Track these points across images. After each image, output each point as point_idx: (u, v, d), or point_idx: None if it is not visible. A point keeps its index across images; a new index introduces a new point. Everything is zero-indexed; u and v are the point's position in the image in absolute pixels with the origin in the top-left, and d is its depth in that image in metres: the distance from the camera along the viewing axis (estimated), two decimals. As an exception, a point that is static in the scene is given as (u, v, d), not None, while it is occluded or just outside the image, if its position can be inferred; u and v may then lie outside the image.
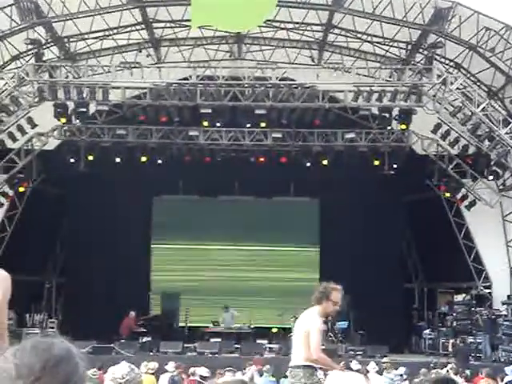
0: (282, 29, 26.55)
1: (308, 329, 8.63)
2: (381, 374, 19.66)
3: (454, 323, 28.34)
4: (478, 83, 26.48)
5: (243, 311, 29.59)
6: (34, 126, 26.72)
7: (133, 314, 28.29)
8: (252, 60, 28.09)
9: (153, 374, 17.60)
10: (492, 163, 26.72)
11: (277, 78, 25.79)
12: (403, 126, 27.24)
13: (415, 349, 29.24)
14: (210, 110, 26.56)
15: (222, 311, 29.11)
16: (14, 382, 2.05)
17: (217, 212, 32.06)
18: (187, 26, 25.33)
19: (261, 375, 19.47)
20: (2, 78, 25.50)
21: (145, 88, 26.37)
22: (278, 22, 25.86)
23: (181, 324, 30.12)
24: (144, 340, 27.05)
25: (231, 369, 17.85)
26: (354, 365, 19.46)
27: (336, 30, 26.41)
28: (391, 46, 26.49)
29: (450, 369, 19.71)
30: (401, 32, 25.37)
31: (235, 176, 30.09)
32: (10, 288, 5.11)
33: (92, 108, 27.04)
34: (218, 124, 27.55)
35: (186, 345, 26.38)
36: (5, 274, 5.19)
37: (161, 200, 32.72)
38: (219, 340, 26.90)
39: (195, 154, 28.63)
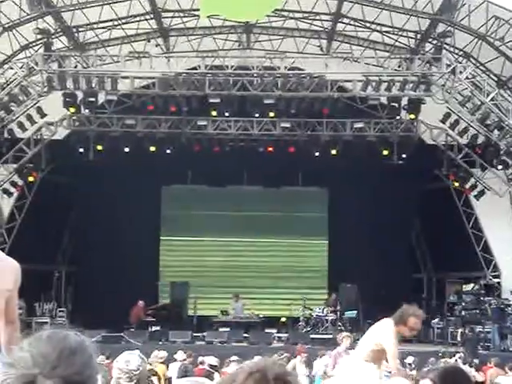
0: (291, 18, 26.49)
1: (381, 344, 8.64)
2: None
3: (463, 313, 28.33)
4: (488, 72, 26.40)
5: (252, 300, 29.65)
6: (43, 115, 26.76)
7: (141, 303, 28.38)
8: (261, 49, 28.05)
9: (163, 363, 17.71)
10: (501, 153, 26.65)
11: (285, 67, 25.76)
12: (412, 116, 27.19)
13: (424, 338, 29.21)
14: (218, 100, 26.55)
15: (231, 300, 29.18)
16: (31, 370, 2.08)
17: (225, 202, 32.11)
18: (196, 15, 25.33)
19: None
20: (12, 68, 25.57)
21: (153, 78, 26.38)
22: (286, 11, 25.81)
23: (190, 313, 30.20)
24: (153, 329, 27.16)
25: (237, 359, 17.85)
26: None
27: (345, 20, 26.35)
28: (400, 35, 26.41)
29: (459, 358, 19.74)
30: (410, 21, 25.29)
31: (244, 166, 30.09)
32: (20, 277, 5.15)
33: (101, 98, 27.08)
34: (227, 114, 27.53)
35: (194, 334, 26.47)
36: (15, 264, 5.24)
37: (169, 190, 32.77)
38: (228, 329, 26.97)
39: (204, 143, 28.64)
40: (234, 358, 18.35)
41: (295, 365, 18.53)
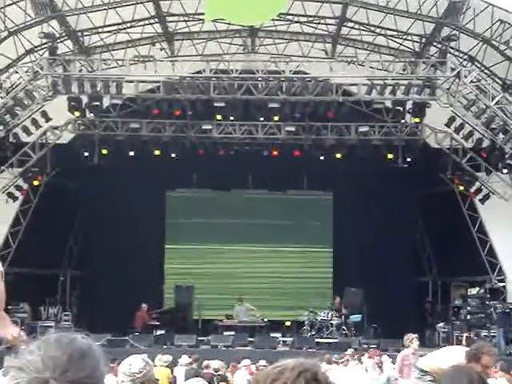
0: (296, 22, 26.50)
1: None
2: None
3: (468, 317, 28.27)
4: (492, 76, 26.37)
5: (257, 305, 29.61)
6: (48, 119, 26.78)
7: (144, 306, 28.38)
8: (265, 53, 28.07)
9: (167, 366, 17.71)
10: (506, 156, 26.59)
11: (290, 71, 25.76)
12: (417, 120, 27.18)
13: (429, 342, 29.14)
14: (223, 104, 26.57)
15: (235, 304, 29.16)
16: (42, 374, 2.07)
17: (230, 207, 32.10)
18: (201, 19, 25.35)
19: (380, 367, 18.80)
20: (17, 72, 25.59)
21: (158, 81, 26.39)
22: (291, 15, 25.82)
23: (194, 317, 30.17)
24: (158, 333, 27.16)
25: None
26: (366, 358, 19.46)
27: (350, 24, 26.35)
28: (405, 39, 26.40)
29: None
30: (415, 25, 25.28)
31: (248, 169, 30.10)
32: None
33: (106, 102, 27.10)
34: (232, 117, 27.56)
35: (199, 338, 26.45)
36: None
37: (174, 194, 32.77)
38: (233, 333, 26.95)
39: (209, 147, 28.65)
40: (247, 361, 18.31)
41: (367, 368, 18.25)
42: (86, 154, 28.33)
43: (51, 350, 2.12)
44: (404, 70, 26.11)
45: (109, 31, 26.23)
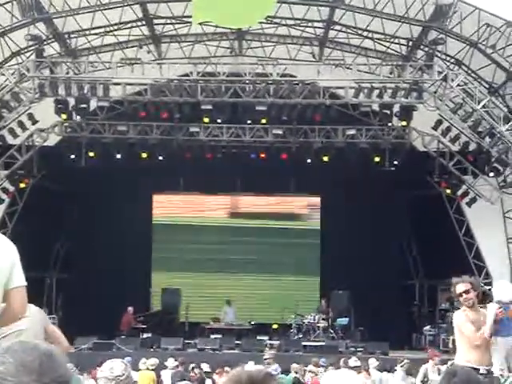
0: (283, 25, 26.51)
1: (456, 328, 9.06)
2: (410, 374, 19.11)
3: (455, 320, 28.29)
4: (479, 80, 26.46)
5: (244, 308, 29.60)
6: (34, 122, 26.70)
7: (130, 309, 28.33)
8: (253, 56, 28.06)
9: (153, 370, 17.67)
10: (493, 160, 26.67)
11: (278, 74, 25.77)
12: (404, 123, 27.23)
13: (416, 345, 29.22)
14: (210, 107, 26.54)
15: (223, 306, 29.15)
16: (20, 379, 2.08)
17: (218, 209, 32.13)
18: (188, 22, 25.33)
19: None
20: (3, 74, 25.49)
21: (145, 84, 26.35)
22: (278, 18, 25.82)
23: (181, 320, 30.13)
24: (145, 336, 27.09)
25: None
26: (353, 361, 19.45)
27: (337, 27, 26.39)
28: (392, 42, 26.46)
29: (451, 365, 19.67)
30: (402, 28, 25.34)
31: (236, 172, 30.07)
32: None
33: (93, 104, 27.03)
34: (219, 120, 27.53)
35: (186, 341, 26.41)
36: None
37: (161, 196, 32.75)
38: (220, 336, 26.93)
39: (196, 150, 28.62)
40: (251, 363, 18.15)
41: (426, 370, 17.89)
42: (73, 156, 28.25)
43: (20, 356, 2.13)
44: (391, 73, 26.16)
45: (96, 33, 26.17)
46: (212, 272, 32.15)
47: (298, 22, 26.40)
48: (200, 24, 23.58)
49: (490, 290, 28.66)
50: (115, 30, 26.10)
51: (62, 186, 29.75)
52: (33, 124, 26.84)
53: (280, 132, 27.85)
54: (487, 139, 25.85)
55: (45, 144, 28.22)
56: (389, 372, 19.61)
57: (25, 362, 2.11)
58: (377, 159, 28.38)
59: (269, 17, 24.26)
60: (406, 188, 29.90)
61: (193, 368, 18.58)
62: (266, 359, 21.04)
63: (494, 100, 25.90)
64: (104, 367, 5.98)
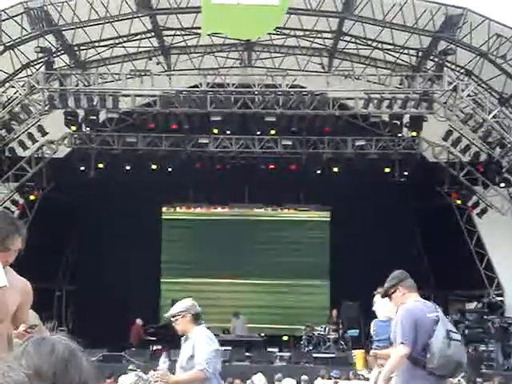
0: (292, 36, 26.51)
1: None
2: None
3: (466, 331, 28.10)
4: (489, 90, 26.37)
5: (253, 319, 29.52)
6: (44, 133, 26.75)
7: (139, 321, 28.28)
8: (262, 67, 28.04)
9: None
10: (503, 170, 26.60)
11: (287, 85, 25.74)
12: (414, 133, 27.14)
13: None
14: (219, 118, 26.55)
15: (232, 318, 29.05)
16: None
17: (227, 222, 32.12)
18: (197, 33, 25.34)
19: None
20: (13, 87, 25.56)
21: (155, 96, 26.36)
22: (287, 29, 25.83)
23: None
24: (155, 348, 27.00)
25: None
26: (365, 373, 19.28)
27: (346, 37, 26.36)
28: (402, 52, 26.41)
29: (462, 377, 19.54)
30: (411, 39, 25.29)
31: (245, 184, 30.06)
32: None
33: (102, 116, 27.07)
34: (228, 131, 27.53)
35: (196, 353, 26.26)
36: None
37: (171, 208, 32.76)
38: (230, 348, 26.81)
39: (205, 161, 28.61)
40: (259, 375, 18.03)
41: None
42: (83, 168, 28.27)
43: (34, 364, 2.07)
44: (401, 83, 26.11)
45: (105, 45, 26.23)
46: (223, 278, 32.15)
47: (307, 32, 26.37)
48: (209, 35, 23.61)
49: (501, 301, 28.70)
50: (124, 41, 26.14)
51: (71, 197, 29.77)
52: (42, 136, 26.88)
53: (289, 143, 27.81)
54: (498, 149, 25.76)
55: (54, 156, 28.25)
56: None
57: (39, 370, 2.05)
58: (387, 170, 28.31)
59: (278, 28, 24.29)
60: (416, 199, 29.83)
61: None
62: None
63: (505, 110, 25.83)
64: (120, 379, 5.96)
